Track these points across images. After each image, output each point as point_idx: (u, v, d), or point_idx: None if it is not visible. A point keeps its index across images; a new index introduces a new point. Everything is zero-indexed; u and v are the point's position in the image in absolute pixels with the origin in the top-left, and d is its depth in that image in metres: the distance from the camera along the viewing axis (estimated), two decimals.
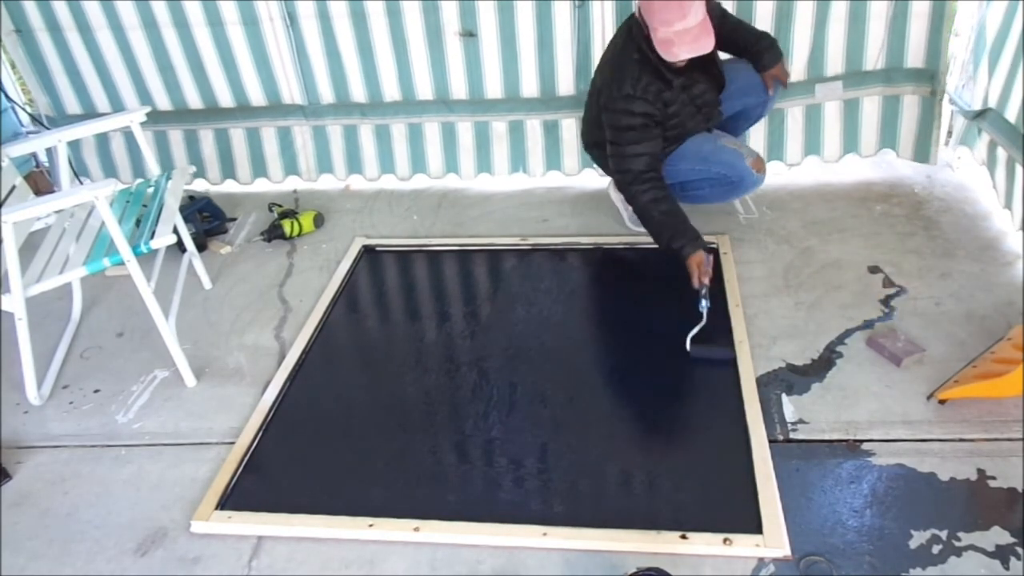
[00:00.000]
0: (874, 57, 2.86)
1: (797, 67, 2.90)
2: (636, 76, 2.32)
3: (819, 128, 3.02)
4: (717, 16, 2.40)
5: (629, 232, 2.77)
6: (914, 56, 2.84)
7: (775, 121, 3.02)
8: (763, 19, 2.80)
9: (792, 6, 2.78)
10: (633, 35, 2.32)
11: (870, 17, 2.78)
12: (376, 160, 3.32)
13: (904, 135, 2.99)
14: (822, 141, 3.05)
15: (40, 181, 3.16)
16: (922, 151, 2.98)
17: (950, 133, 3.10)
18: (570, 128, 3.09)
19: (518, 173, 3.25)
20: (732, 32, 2.50)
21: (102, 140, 3.37)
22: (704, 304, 2.22)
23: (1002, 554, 1.56)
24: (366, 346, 2.40)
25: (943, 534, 1.61)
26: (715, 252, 2.58)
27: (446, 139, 3.22)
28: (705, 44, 2.20)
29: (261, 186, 3.42)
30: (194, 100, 3.25)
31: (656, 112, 2.36)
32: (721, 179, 2.54)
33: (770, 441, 1.85)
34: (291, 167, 3.38)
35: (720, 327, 2.25)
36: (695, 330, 2.18)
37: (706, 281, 2.25)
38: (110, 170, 3.42)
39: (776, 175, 3.11)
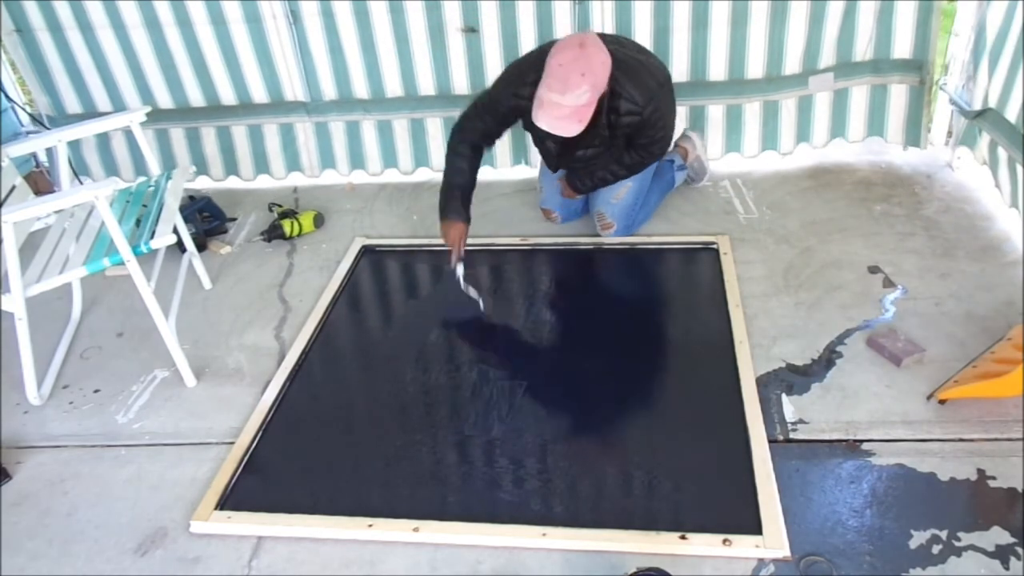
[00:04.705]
0: (863, 49, 2.92)
1: (792, 60, 2.94)
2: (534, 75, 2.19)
3: (810, 117, 3.08)
4: (630, 129, 2.32)
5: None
6: (900, 47, 2.90)
7: (769, 112, 3.07)
8: (759, 17, 2.83)
9: (787, 5, 2.81)
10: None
11: (859, 11, 2.84)
12: (379, 156, 3.33)
13: (892, 122, 3.06)
14: (812, 129, 3.11)
15: (40, 181, 3.16)
16: (912, 136, 3.06)
17: (950, 133, 3.10)
18: None
19: (520, 165, 3.30)
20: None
21: (103, 139, 3.37)
22: (461, 280, 2.39)
23: (1002, 554, 1.56)
24: (366, 346, 2.40)
25: (943, 534, 1.61)
26: (716, 252, 2.60)
27: (448, 135, 3.21)
28: (566, 129, 2.11)
29: (262, 183, 3.42)
30: (196, 98, 3.25)
31: (520, 108, 2.29)
32: None
33: (770, 441, 1.85)
34: (293, 164, 3.38)
35: (719, 329, 2.25)
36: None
37: (453, 253, 2.41)
38: (111, 168, 3.42)
39: (772, 167, 3.14)
